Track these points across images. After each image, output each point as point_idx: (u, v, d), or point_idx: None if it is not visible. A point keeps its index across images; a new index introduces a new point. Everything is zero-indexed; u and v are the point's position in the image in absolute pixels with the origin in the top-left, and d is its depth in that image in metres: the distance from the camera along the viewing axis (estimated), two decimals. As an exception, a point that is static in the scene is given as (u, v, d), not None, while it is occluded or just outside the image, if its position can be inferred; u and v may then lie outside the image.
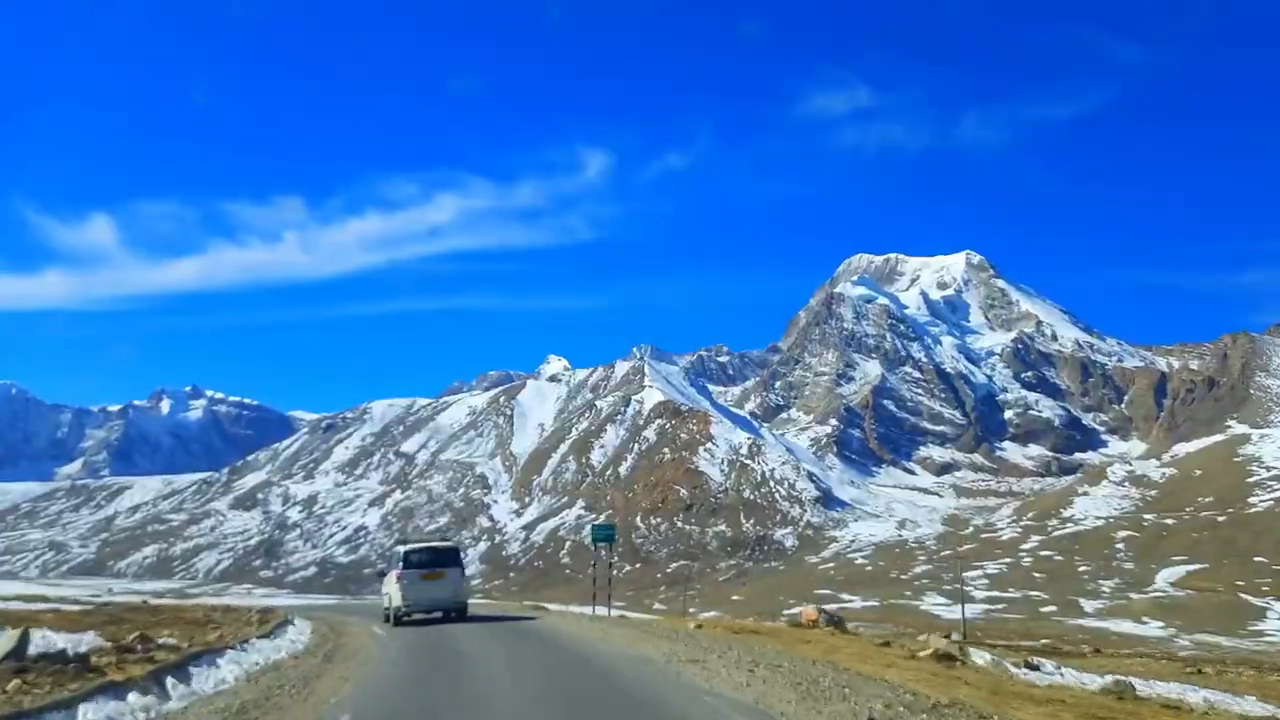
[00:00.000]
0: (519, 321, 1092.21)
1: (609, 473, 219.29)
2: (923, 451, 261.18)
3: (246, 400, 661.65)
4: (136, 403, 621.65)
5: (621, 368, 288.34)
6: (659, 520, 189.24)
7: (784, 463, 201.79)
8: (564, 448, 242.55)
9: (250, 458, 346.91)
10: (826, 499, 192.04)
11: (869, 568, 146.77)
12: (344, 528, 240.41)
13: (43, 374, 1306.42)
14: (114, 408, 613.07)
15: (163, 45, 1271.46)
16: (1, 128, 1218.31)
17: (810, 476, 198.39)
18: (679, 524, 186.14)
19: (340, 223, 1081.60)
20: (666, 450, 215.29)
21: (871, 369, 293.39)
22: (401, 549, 26.99)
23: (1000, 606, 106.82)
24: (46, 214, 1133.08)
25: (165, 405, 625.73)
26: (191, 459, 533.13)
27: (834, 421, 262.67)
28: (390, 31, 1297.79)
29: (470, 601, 30.09)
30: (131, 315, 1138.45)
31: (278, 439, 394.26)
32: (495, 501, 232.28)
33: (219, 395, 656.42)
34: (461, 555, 27.08)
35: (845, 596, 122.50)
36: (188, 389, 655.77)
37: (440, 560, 25.92)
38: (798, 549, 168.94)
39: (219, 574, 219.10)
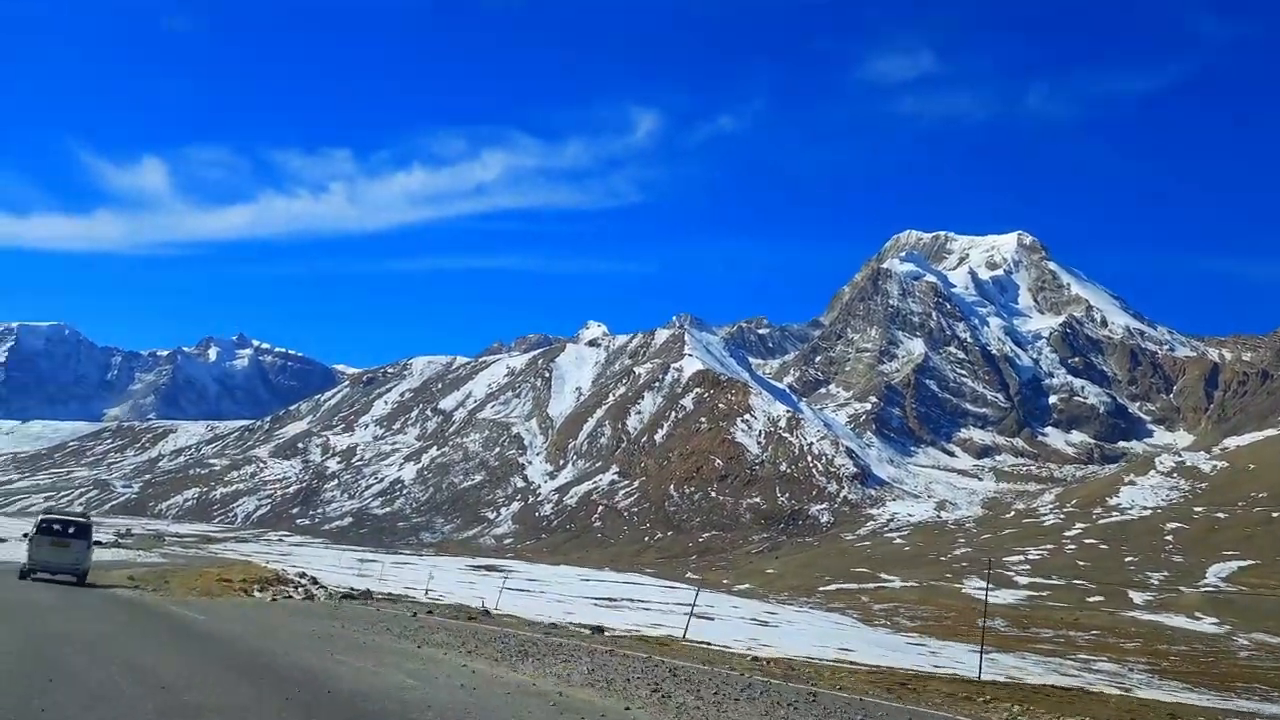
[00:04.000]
0: (560, 284, 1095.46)
1: (644, 439, 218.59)
2: (963, 433, 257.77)
3: (291, 351, 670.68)
4: (185, 349, 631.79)
5: (661, 335, 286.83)
6: (693, 489, 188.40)
7: (822, 438, 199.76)
8: (600, 412, 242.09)
9: (293, 407, 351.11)
10: (864, 476, 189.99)
11: (907, 548, 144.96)
12: (380, 480, 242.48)
13: (95, 316, 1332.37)
14: (163, 352, 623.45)
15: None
16: (56, 68, 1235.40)
17: (849, 453, 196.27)
18: (713, 494, 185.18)
19: (388, 176, 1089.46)
20: (704, 419, 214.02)
21: (915, 347, 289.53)
22: (40, 518, 30.33)
23: (1045, 593, 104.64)
24: (99, 155, 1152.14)
25: (213, 352, 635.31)
26: (236, 406, 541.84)
27: (874, 399, 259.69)
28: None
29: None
30: (182, 261, 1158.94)
31: (320, 390, 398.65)
32: (530, 462, 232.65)
33: (265, 345, 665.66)
34: (92, 531, 29.97)
35: (884, 576, 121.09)
36: (235, 337, 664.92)
37: (69, 532, 28.73)
38: (833, 525, 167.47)
39: (257, 520, 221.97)
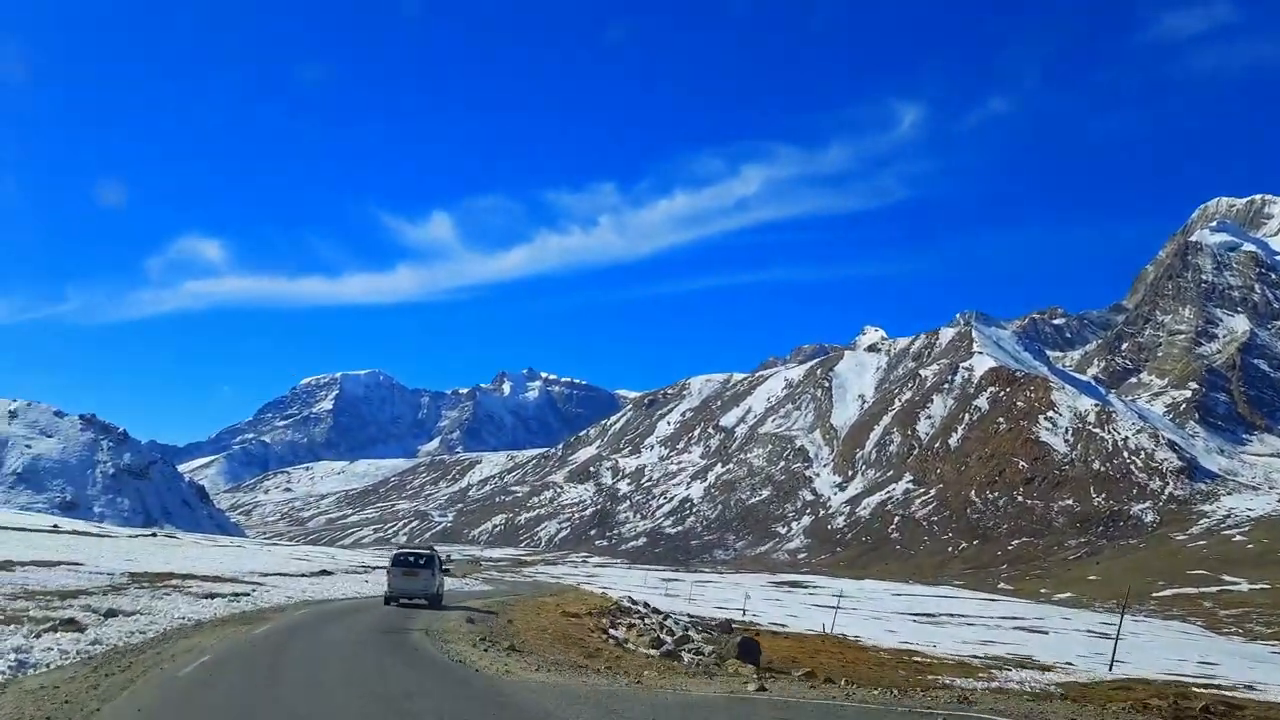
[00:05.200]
0: (830, 291, 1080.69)
1: (938, 444, 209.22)
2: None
3: (576, 380, 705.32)
4: (482, 385, 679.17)
5: (946, 334, 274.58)
6: (996, 494, 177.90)
7: (1138, 431, 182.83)
8: (887, 419, 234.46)
9: (582, 433, 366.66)
10: (1191, 470, 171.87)
11: (1250, 546, 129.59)
12: (670, 500, 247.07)
13: (403, 361, 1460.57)
14: (463, 390, 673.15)
15: (489, 45, 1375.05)
16: (359, 140, 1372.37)
17: (1171, 445, 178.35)
18: (1019, 498, 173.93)
19: (651, 203, 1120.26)
20: (1001, 420, 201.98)
21: (1237, 325, 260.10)
22: (394, 553, 34.88)
23: None
24: (396, 215, 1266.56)
25: (506, 387, 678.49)
26: (530, 435, 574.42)
27: (1194, 385, 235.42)
28: (687, 8, 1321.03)
29: None
30: (473, 304, 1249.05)
31: (605, 415, 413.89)
32: (817, 475, 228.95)
33: (551, 376, 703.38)
34: (437, 561, 33.29)
35: (1227, 578, 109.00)
36: (525, 371, 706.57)
37: (417, 563, 32.56)
38: (1159, 525, 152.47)
39: (559, 542, 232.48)
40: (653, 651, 25.01)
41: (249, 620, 23.45)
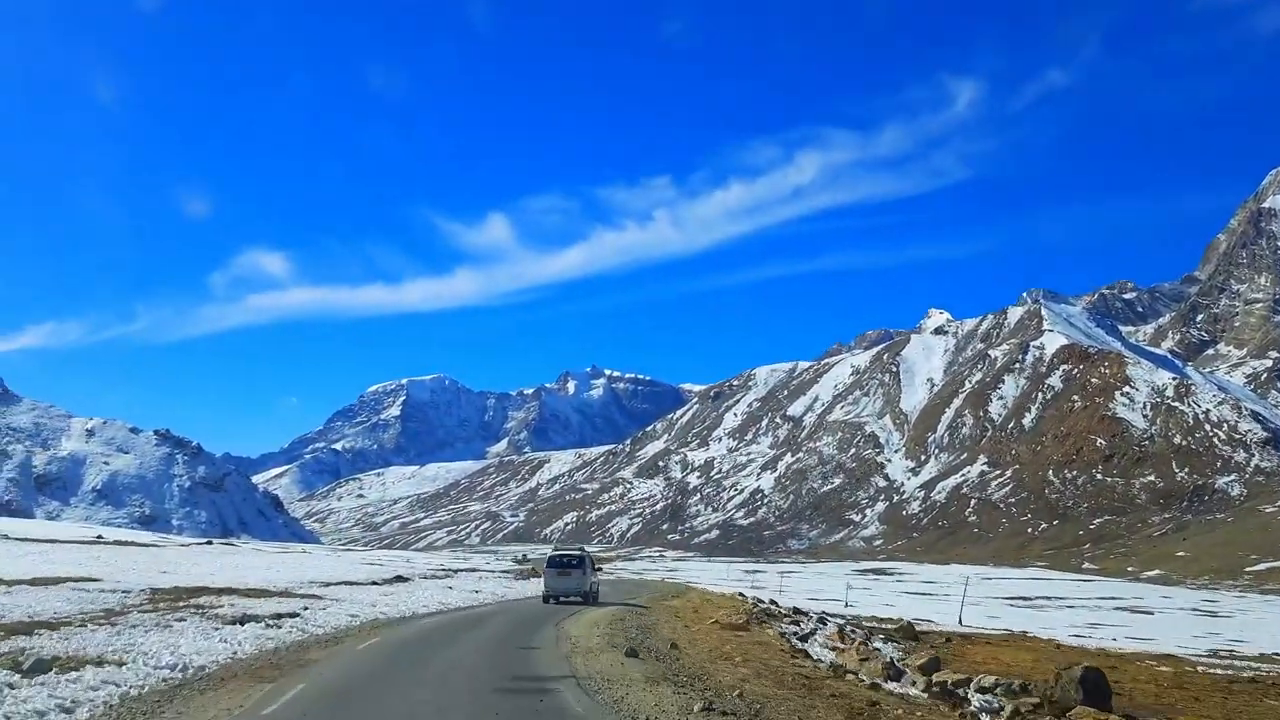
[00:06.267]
0: (893, 276, 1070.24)
1: (1011, 425, 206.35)
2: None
3: (640, 376, 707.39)
4: (547, 385, 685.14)
5: (1014, 314, 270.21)
6: (1075, 473, 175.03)
7: (1220, 403, 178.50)
8: (958, 401, 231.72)
9: (648, 429, 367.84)
10: (1277, 440, 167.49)
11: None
12: (740, 491, 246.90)
13: (467, 364, 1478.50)
14: (528, 390, 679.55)
15: (538, 42, 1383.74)
16: (413, 146, 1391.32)
17: (1254, 416, 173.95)
18: (1099, 476, 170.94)
19: (706, 195, 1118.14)
20: (1076, 397, 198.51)
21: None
22: (549, 554, 36.59)
23: None
24: (453, 219, 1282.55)
25: (571, 385, 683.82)
26: (597, 433, 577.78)
27: (1274, 353, 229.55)
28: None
29: None
30: (533, 304, 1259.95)
31: (671, 410, 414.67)
32: (889, 460, 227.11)
33: (615, 373, 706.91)
34: (587, 559, 35.17)
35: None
36: (588, 369, 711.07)
37: (569, 563, 34.58)
38: (1247, 498, 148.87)
39: (631, 538, 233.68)
40: (905, 689, 17.74)
41: (275, 669, 15.08)
